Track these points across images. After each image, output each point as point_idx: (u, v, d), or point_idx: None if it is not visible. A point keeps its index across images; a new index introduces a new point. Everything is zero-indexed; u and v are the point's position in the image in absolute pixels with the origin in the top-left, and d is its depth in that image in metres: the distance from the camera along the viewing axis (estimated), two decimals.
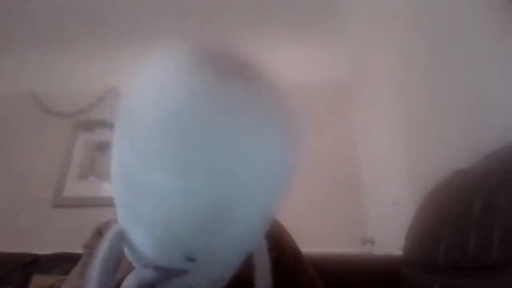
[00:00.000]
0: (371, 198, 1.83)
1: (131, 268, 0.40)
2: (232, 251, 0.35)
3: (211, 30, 2.12)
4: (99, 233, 0.60)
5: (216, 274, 0.38)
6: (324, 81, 2.21)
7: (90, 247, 0.55)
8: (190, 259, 0.33)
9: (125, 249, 0.38)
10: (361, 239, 1.75)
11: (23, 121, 2.29)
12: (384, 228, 1.59)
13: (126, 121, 0.29)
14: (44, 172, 2.12)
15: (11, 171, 2.12)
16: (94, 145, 2.20)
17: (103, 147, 2.19)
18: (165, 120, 0.25)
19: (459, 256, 0.57)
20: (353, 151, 2.02)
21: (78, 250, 0.62)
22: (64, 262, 1.54)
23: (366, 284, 0.87)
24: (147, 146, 0.26)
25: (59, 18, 2.10)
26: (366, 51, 1.90)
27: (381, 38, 1.65)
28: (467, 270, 0.55)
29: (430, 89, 1.15)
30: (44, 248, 1.65)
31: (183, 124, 0.25)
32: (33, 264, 1.59)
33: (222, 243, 0.32)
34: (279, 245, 0.45)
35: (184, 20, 2.09)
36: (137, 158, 0.27)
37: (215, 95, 0.25)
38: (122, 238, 0.35)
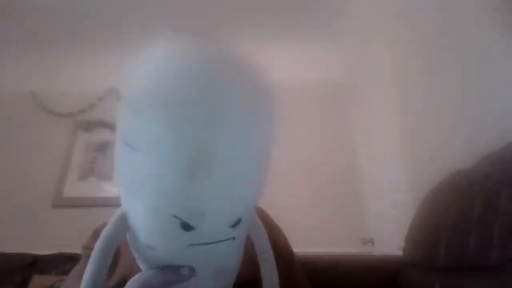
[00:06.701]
0: (371, 198, 1.83)
1: (132, 263, 0.40)
2: (227, 210, 0.34)
3: (208, 29, 2.12)
4: (97, 235, 0.60)
5: (220, 262, 0.37)
6: (324, 81, 2.21)
7: (89, 249, 0.56)
8: (186, 225, 0.33)
9: (127, 235, 0.39)
10: (361, 239, 1.75)
11: (24, 121, 2.29)
12: (384, 228, 1.59)
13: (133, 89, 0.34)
14: (44, 172, 2.11)
15: (11, 171, 2.12)
16: (94, 145, 2.20)
17: (103, 147, 2.19)
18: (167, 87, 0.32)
19: (459, 256, 0.57)
20: (353, 151, 2.02)
21: (78, 250, 0.62)
22: (63, 263, 1.54)
23: (366, 284, 0.87)
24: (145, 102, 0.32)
25: (60, 19, 2.10)
26: (366, 51, 1.90)
27: (380, 38, 1.65)
28: (467, 270, 0.54)
29: (429, 89, 1.15)
30: (43, 248, 1.65)
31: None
32: (33, 264, 1.59)
33: (213, 199, 0.33)
34: (276, 249, 0.46)
35: (183, 21, 2.09)
36: (135, 113, 0.32)
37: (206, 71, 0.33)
38: (124, 219, 0.37)
